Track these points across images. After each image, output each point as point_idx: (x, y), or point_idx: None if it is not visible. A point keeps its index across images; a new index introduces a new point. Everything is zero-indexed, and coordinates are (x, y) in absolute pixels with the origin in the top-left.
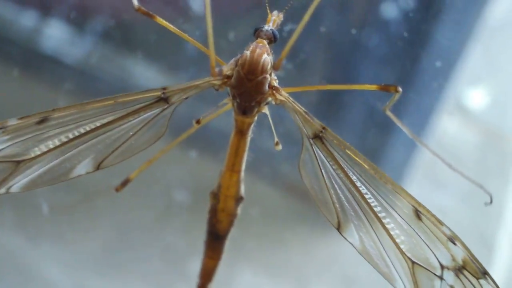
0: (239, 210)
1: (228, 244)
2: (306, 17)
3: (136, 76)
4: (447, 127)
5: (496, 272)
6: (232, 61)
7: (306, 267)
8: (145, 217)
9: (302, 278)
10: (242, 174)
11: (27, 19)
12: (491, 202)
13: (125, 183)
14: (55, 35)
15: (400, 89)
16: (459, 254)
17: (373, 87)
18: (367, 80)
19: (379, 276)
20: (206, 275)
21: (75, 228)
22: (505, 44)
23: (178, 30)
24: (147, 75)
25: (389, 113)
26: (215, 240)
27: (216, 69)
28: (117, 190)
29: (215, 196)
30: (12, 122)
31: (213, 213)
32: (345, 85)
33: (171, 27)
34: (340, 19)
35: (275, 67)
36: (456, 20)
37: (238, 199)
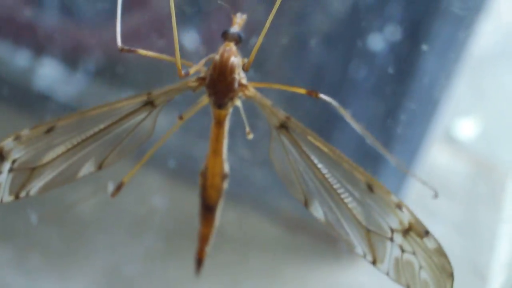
0: (225, 185)
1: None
2: (268, 22)
3: None
4: (437, 158)
5: None
6: (202, 61)
7: None
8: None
9: None
10: (225, 155)
11: (20, 58)
12: (436, 196)
13: (119, 187)
14: (49, 74)
15: (320, 95)
16: (406, 218)
17: (301, 90)
18: (355, 112)
19: None
20: (204, 240)
21: (70, 266)
22: (492, 75)
23: (156, 54)
24: None
25: (343, 112)
26: (208, 211)
27: (183, 71)
28: (112, 195)
29: (204, 175)
30: (25, 132)
31: (204, 189)
32: (277, 85)
33: (151, 54)
34: (327, 51)
35: (244, 69)
36: (443, 51)
37: (224, 176)
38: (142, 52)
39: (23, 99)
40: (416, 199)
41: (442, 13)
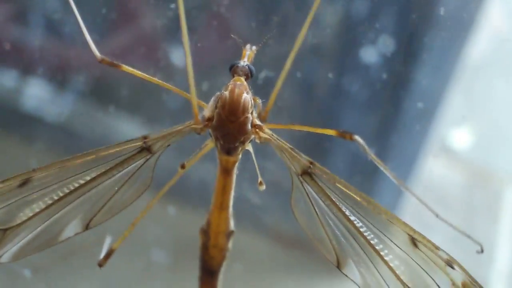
0: (230, 244)
1: None
2: (288, 64)
3: (118, 131)
4: (433, 169)
5: None
6: (212, 101)
7: None
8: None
9: None
10: (231, 210)
11: (7, 79)
12: (482, 251)
13: (108, 255)
14: (36, 94)
15: (355, 137)
16: (458, 278)
17: (332, 132)
18: (349, 126)
19: None
20: None
21: None
22: (486, 84)
23: (151, 78)
24: (128, 129)
25: (373, 157)
26: (209, 276)
27: (199, 116)
28: (100, 265)
29: (206, 233)
30: None
31: (205, 249)
32: (300, 126)
33: (138, 73)
34: (319, 66)
35: (261, 119)
36: (436, 62)
37: (229, 234)
38: (127, 69)
39: (11, 120)
40: (413, 212)
41: (434, 25)
